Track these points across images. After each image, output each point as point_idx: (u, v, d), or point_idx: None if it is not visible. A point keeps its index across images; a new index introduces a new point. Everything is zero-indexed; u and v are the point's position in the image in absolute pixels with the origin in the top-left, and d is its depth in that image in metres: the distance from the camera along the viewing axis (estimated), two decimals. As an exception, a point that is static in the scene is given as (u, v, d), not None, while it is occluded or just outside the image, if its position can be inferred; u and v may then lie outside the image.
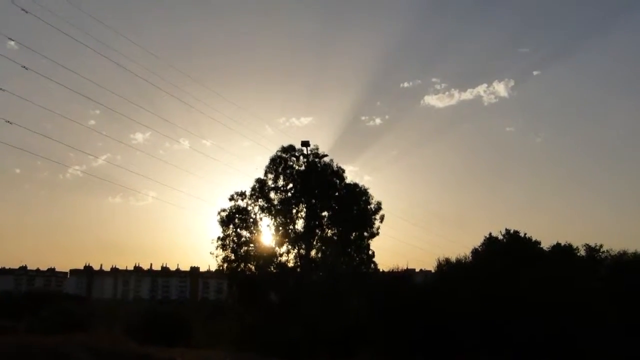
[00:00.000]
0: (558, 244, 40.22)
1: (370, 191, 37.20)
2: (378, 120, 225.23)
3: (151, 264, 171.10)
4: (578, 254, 39.92)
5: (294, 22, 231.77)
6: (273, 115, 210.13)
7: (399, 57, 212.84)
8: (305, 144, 36.95)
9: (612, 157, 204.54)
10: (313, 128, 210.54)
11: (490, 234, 37.13)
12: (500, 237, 36.27)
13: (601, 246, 39.70)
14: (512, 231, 36.09)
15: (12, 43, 54.59)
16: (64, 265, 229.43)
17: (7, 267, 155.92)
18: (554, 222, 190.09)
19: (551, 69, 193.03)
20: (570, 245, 39.92)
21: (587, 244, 40.22)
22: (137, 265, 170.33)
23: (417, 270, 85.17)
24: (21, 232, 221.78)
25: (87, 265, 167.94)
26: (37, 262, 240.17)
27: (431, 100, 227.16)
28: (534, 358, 24.47)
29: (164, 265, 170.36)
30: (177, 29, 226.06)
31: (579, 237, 52.90)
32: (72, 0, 28.04)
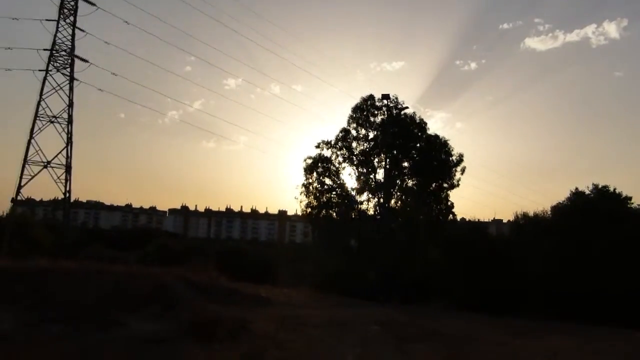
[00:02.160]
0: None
1: (451, 142, 37.28)
2: (473, 65, 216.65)
3: (241, 206, 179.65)
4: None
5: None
6: (364, 61, 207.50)
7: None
8: (386, 96, 37.40)
9: None
10: (405, 73, 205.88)
11: (576, 188, 35.56)
12: (587, 192, 34.66)
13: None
14: (600, 186, 34.31)
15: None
16: (163, 204, 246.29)
17: (115, 205, 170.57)
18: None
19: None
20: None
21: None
22: (228, 207, 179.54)
23: (504, 220, 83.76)
24: (126, 172, 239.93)
25: (183, 205, 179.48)
26: (140, 200, 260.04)
27: (532, 42, 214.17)
28: (607, 321, 24.00)
29: (254, 208, 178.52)
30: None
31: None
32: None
